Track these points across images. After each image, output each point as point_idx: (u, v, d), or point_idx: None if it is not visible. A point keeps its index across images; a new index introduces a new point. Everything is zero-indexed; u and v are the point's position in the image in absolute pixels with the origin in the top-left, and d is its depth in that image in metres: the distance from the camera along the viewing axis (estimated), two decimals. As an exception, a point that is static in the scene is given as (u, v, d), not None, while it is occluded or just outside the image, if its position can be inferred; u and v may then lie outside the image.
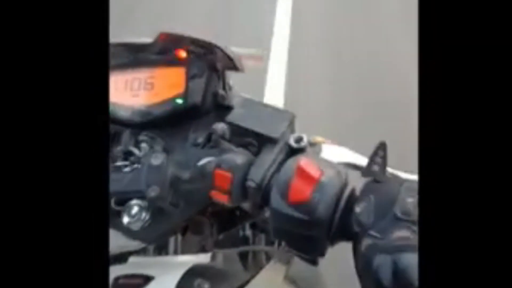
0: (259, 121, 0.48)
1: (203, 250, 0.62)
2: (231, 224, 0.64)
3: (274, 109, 0.49)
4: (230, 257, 0.64)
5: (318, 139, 0.51)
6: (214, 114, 0.54)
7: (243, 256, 0.70)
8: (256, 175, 0.45)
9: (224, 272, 0.58)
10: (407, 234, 0.38)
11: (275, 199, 0.43)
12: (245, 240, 0.71)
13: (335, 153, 0.54)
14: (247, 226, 0.72)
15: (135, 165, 0.52)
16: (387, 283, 0.38)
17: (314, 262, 0.47)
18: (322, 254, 0.46)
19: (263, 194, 0.45)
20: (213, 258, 0.60)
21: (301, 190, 0.42)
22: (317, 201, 0.42)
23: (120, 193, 0.51)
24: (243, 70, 0.54)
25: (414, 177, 0.44)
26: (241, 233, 0.72)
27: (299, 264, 0.52)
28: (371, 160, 0.43)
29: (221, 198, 0.46)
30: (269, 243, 0.73)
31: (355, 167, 0.56)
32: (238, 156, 0.46)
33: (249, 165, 0.46)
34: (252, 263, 0.70)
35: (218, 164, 0.46)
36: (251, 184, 0.45)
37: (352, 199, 0.43)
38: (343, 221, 0.43)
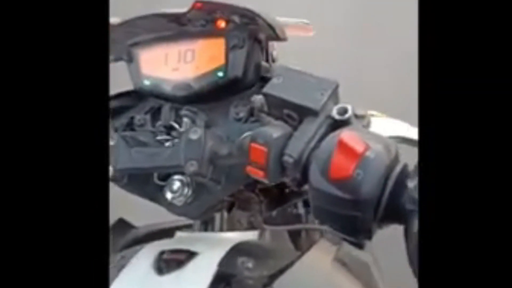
0: (298, 91, 0.44)
1: (251, 227, 0.61)
2: (281, 202, 0.62)
3: (316, 78, 0.45)
4: (279, 235, 0.62)
5: (367, 111, 0.46)
6: (258, 87, 0.51)
7: (295, 235, 0.67)
8: (294, 150, 0.42)
9: (271, 251, 0.57)
10: None
11: (315, 176, 0.40)
12: (297, 218, 0.68)
13: (387, 126, 0.49)
14: (300, 203, 0.69)
15: (176, 140, 0.51)
16: None
17: (360, 246, 0.43)
18: (369, 237, 0.42)
19: (302, 170, 0.42)
20: (261, 235, 0.58)
21: (343, 166, 0.39)
22: (361, 179, 0.38)
23: (160, 168, 0.51)
24: (285, 39, 0.50)
25: None
26: (293, 210, 0.69)
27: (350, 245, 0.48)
28: None
29: (257, 174, 0.44)
30: None
31: (410, 141, 0.51)
32: (274, 129, 0.43)
33: (287, 139, 0.43)
34: (305, 242, 0.68)
35: (254, 137, 0.43)
36: (288, 159, 0.42)
37: (404, 176, 0.39)
38: (393, 200, 0.39)
